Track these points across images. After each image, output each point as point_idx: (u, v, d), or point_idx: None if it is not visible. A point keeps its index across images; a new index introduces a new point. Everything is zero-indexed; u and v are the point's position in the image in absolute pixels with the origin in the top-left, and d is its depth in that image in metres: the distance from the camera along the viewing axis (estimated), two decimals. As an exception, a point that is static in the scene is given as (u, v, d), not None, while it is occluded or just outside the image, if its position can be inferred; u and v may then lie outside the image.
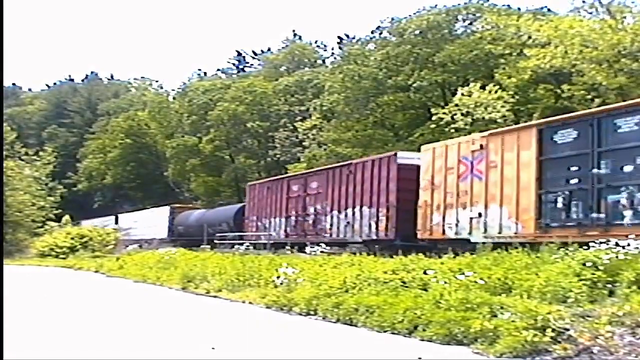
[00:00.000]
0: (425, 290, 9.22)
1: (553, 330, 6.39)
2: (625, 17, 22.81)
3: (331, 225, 22.23)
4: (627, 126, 12.36)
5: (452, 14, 34.81)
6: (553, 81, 27.13)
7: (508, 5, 35.81)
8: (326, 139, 39.07)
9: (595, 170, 12.79)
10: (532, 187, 14.04)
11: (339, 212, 21.77)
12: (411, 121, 35.79)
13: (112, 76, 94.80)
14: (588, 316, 6.64)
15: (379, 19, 46.36)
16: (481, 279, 8.87)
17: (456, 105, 26.58)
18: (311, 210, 23.91)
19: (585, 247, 9.17)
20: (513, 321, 6.79)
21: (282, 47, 66.99)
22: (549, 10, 34.44)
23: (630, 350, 5.87)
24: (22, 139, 52.45)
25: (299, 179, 26.01)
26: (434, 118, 28.47)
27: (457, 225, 16.21)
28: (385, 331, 8.15)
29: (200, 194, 54.42)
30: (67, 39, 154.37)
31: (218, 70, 75.64)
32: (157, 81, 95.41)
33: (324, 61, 62.54)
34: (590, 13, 24.01)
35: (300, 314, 10.20)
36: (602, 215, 12.54)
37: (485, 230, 15.28)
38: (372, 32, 39.34)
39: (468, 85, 27.60)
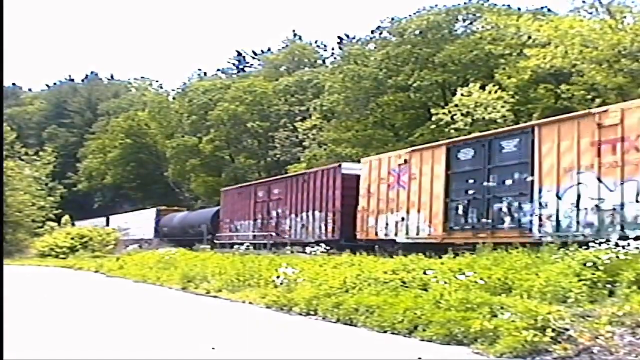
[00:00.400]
0: (425, 290, 9.23)
1: (553, 330, 6.38)
2: (625, 17, 22.80)
3: (290, 227, 24.60)
4: (508, 147, 14.69)
5: (452, 14, 34.82)
6: (553, 81, 27.12)
7: (508, 5, 35.89)
8: (326, 139, 39.05)
9: (485, 183, 15.14)
10: (441, 196, 16.45)
11: (296, 215, 24.22)
12: (411, 121, 35.76)
13: (112, 76, 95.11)
14: (588, 316, 6.63)
15: (379, 19, 46.53)
16: (481, 279, 8.88)
17: (456, 105, 26.60)
18: (274, 214, 26.36)
19: (585, 248, 9.20)
20: (513, 321, 6.78)
21: (282, 47, 67.00)
22: (549, 10, 34.50)
23: (630, 350, 5.86)
24: (22, 139, 52.55)
25: (264, 185, 28.44)
26: (433, 118, 28.50)
27: (386, 227, 18.58)
28: (385, 331, 8.15)
29: (200, 194, 54.34)
30: (67, 39, 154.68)
31: (218, 70, 75.88)
32: (157, 81, 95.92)
33: (324, 61, 62.56)
34: (590, 13, 24.00)
35: (300, 314, 10.20)
36: (490, 221, 14.89)
37: (407, 232, 17.62)
38: (372, 32, 39.44)
39: (468, 85, 27.63)
